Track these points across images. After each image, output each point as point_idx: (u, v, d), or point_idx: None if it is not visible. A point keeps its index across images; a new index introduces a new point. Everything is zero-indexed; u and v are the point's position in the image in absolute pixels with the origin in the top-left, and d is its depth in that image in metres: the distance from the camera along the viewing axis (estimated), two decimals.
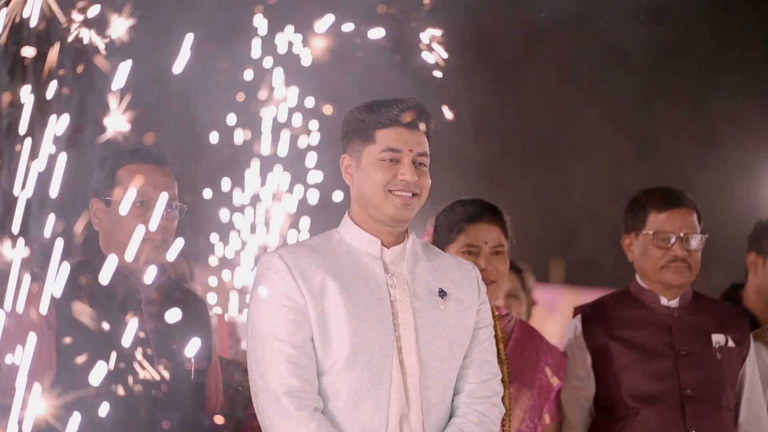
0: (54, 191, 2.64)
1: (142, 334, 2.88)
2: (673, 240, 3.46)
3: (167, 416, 2.88)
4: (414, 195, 2.75)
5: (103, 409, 2.76)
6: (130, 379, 2.82)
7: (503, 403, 3.23)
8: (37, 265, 2.86)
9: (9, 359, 2.73)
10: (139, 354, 2.85)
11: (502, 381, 3.25)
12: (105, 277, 2.73)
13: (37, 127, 2.81)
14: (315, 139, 5.55)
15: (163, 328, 2.93)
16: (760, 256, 4.14)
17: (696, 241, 3.48)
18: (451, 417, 2.79)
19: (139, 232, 2.88)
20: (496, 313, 3.37)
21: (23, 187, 2.66)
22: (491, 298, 3.29)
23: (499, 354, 3.29)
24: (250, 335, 2.74)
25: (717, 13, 8.99)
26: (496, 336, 3.31)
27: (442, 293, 2.80)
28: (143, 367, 2.87)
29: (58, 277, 2.75)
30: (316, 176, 5.53)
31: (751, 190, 9.39)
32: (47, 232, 2.75)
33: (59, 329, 2.81)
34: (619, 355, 3.47)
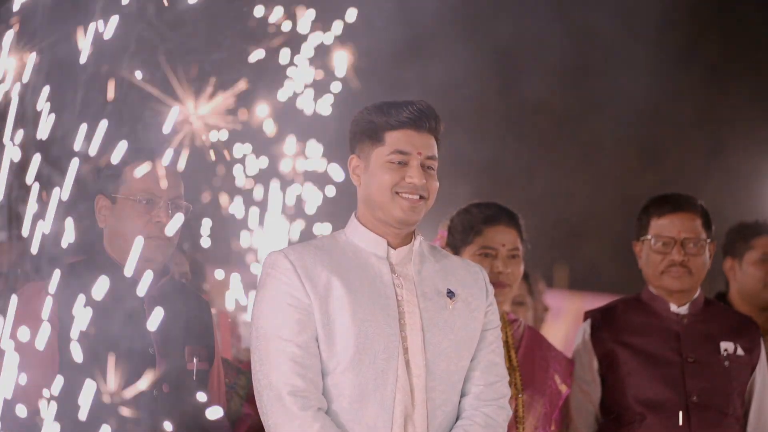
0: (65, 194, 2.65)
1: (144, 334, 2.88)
2: (671, 244, 3.46)
3: (169, 417, 2.87)
4: (421, 198, 2.75)
5: (105, 408, 2.75)
6: (132, 379, 2.81)
7: (516, 410, 3.23)
8: (36, 264, 2.85)
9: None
10: (141, 354, 2.85)
11: (515, 388, 3.24)
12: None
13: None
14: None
15: (165, 328, 2.92)
16: (735, 260, 4.20)
17: (697, 247, 3.46)
18: (457, 419, 2.79)
19: (144, 229, 2.89)
20: (506, 319, 3.36)
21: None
22: (503, 302, 3.29)
23: (510, 361, 3.29)
24: (254, 334, 2.73)
25: (725, 20, 8.99)
26: (506, 342, 3.30)
27: (451, 294, 2.79)
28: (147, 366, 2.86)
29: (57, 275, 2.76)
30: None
31: (757, 197, 9.38)
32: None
33: (61, 327, 2.81)
34: (626, 360, 3.47)
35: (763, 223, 4.24)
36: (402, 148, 2.74)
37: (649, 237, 3.50)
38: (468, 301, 2.82)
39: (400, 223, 2.76)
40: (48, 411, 2.71)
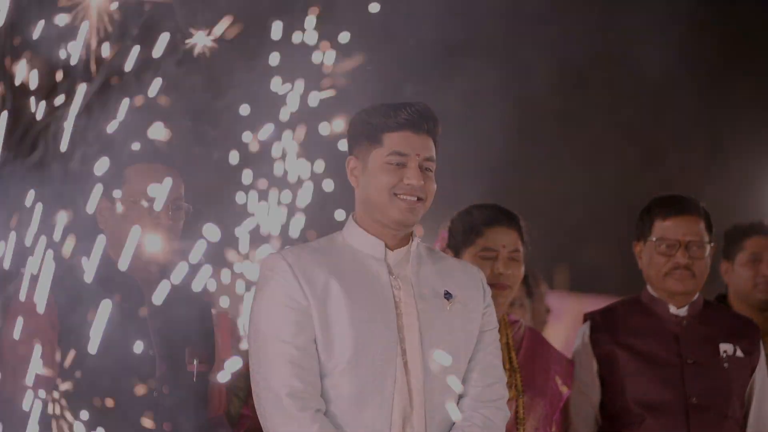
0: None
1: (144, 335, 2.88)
2: (676, 247, 3.46)
3: (169, 418, 2.87)
4: (419, 199, 2.75)
5: (105, 410, 2.75)
6: (132, 381, 2.82)
7: (517, 411, 3.23)
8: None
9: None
10: (141, 355, 2.85)
11: (516, 389, 3.25)
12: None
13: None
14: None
15: (165, 330, 2.92)
16: (729, 261, 4.20)
17: (700, 250, 3.47)
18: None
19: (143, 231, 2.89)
20: (507, 320, 3.36)
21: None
22: (503, 303, 3.29)
23: (511, 362, 3.29)
24: (252, 336, 2.73)
25: (724, 23, 8.99)
26: (507, 344, 3.30)
27: (448, 295, 2.79)
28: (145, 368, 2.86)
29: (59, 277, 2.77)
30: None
31: (758, 198, 9.38)
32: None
33: (62, 330, 2.81)
34: (625, 362, 3.47)
35: (756, 224, 4.24)
36: (400, 149, 2.74)
37: (652, 239, 3.50)
38: (465, 303, 2.82)
39: (398, 224, 2.76)
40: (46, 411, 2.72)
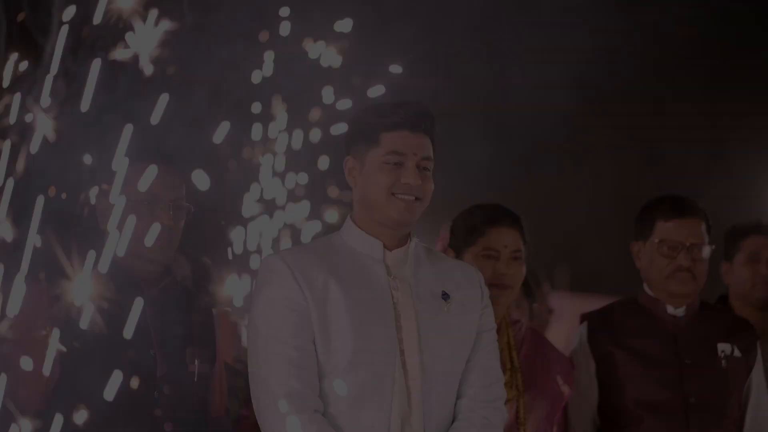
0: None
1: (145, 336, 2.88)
2: (678, 249, 3.46)
3: (170, 418, 2.88)
4: (417, 199, 2.75)
5: (106, 410, 2.76)
6: (133, 381, 2.82)
7: (518, 411, 3.23)
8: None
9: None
10: (142, 355, 2.85)
11: (517, 389, 3.24)
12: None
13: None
14: None
15: (166, 330, 2.92)
16: (728, 262, 4.20)
17: (702, 252, 3.47)
18: (453, 421, 2.79)
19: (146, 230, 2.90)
20: (508, 320, 3.36)
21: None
22: (505, 303, 3.29)
23: (512, 361, 3.29)
24: (251, 337, 2.74)
25: (726, 22, 8.98)
26: (508, 343, 3.30)
27: (446, 296, 2.79)
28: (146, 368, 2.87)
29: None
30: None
31: (758, 198, 9.37)
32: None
33: (61, 329, 2.81)
34: (624, 363, 3.47)
35: (754, 224, 4.24)
36: (397, 148, 2.74)
37: (654, 240, 3.50)
38: (463, 303, 2.82)
39: (396, 224, 2.76)
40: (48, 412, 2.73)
